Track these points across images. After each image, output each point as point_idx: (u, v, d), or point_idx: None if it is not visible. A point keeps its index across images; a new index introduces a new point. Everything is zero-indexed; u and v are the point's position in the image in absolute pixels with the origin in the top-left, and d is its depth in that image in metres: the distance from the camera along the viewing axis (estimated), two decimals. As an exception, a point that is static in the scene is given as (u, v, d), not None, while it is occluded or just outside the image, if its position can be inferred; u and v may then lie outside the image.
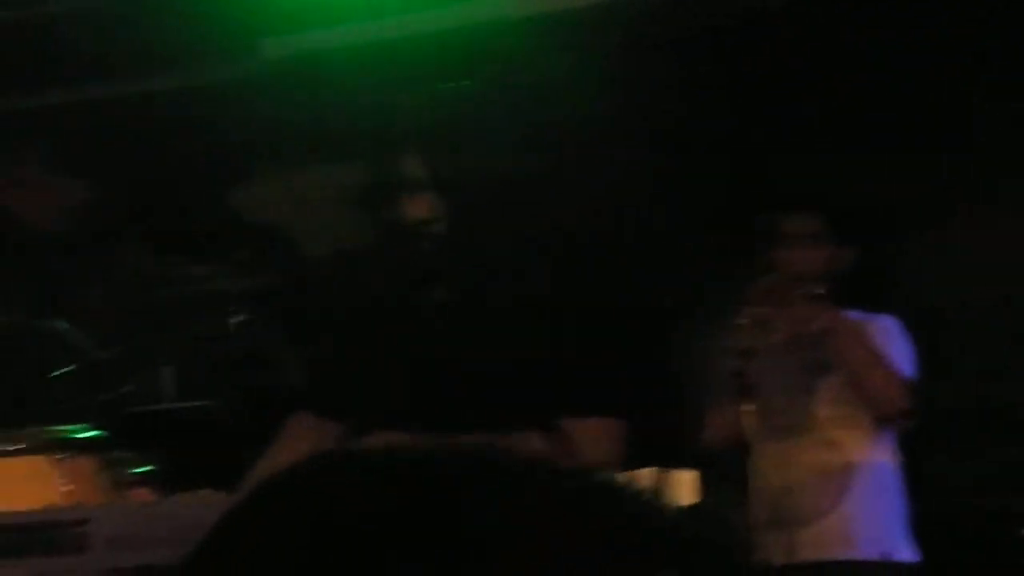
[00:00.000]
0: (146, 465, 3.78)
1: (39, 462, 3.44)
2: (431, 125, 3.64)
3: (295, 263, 5.05)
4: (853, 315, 3.94)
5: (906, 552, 3.78)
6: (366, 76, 5.58)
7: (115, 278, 5.72)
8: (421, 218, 3.39)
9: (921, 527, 3.86)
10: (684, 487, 4.31)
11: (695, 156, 4.94)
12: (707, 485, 4.35)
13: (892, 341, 3.88)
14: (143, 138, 5.71)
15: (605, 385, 3.46)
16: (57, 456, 3.43)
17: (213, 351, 4.70)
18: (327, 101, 5.69)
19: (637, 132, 4.86)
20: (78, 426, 3.64)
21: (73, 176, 5.82)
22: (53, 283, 4.95)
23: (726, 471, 4.11)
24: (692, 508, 4.20)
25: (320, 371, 3.67)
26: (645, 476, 4.07)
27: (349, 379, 3.48)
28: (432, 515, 1.01)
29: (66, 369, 3.99)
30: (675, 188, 4.89)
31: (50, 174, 5.85)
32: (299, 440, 3.48)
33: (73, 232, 5.77)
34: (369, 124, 5.45)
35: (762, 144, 4.89)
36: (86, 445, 3.54)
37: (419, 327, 3.40)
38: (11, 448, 3.48)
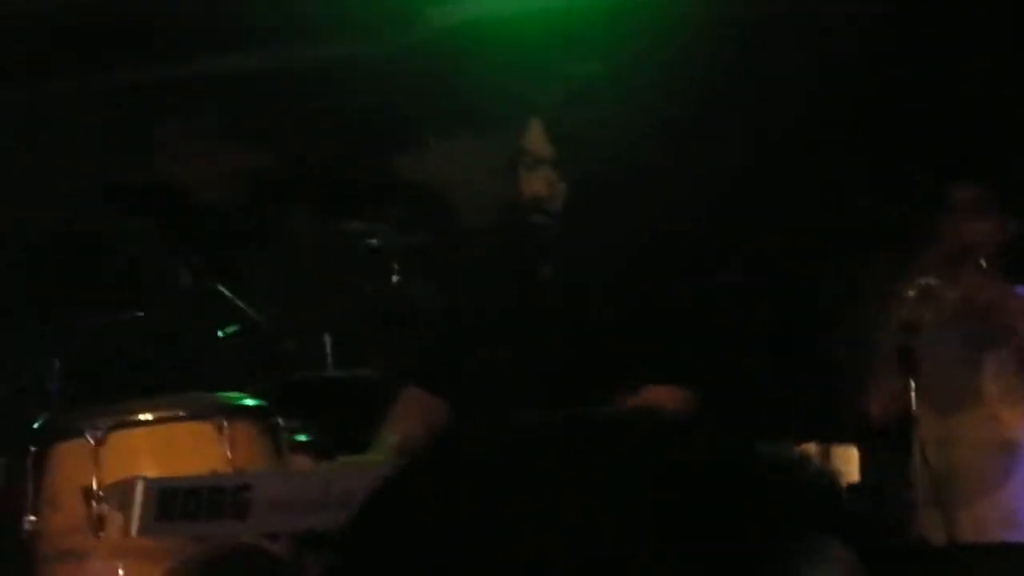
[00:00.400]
0: (307, 432, 3.82)
1: (202, 427, 3.49)
2: (569, 99, 3.61)
3: (452, 231, 5.07)
4: (1021, 289, 3.85)
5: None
6: (526, 46, 5.58)
7: (281, 244, 5.79)
8: (538, 194, 3.41)
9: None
10: (846, 463, 4.25)
11: (853, 126, 4.86)
12: (869, 461, 4.28)
13: None
14: (308, 106, 5.77)
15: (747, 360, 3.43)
16: (220, 422, 3.48)
17: (375, 318, 4.73)
18: (486, 71, 5.70)
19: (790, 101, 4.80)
20: (240, 393, 3.69)
21: (241, 143, 5.90)
22: (221, 248, 5.01)
23: (889, 447, 4.05)
24: (854, 484, 4.14)
25: (431, 344, 3.69)
26: (807, 451, 4.02)
27: (458, 353, 3.50)
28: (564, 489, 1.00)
29: (231, 335, 4.05)
30: (836, 159, 4.82)
31: (219, 141, 5.94)
32: (409, 414, 3.51)
33: (240, 198, 5.85)
34: (518, 95, 5.45)
35: (931, 113, 4.80)
36: (247, 412, 3.58)
37: (528, 302, 3.42)
38: (175, 413, 3.54)
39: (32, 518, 3.47)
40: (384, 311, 4.72)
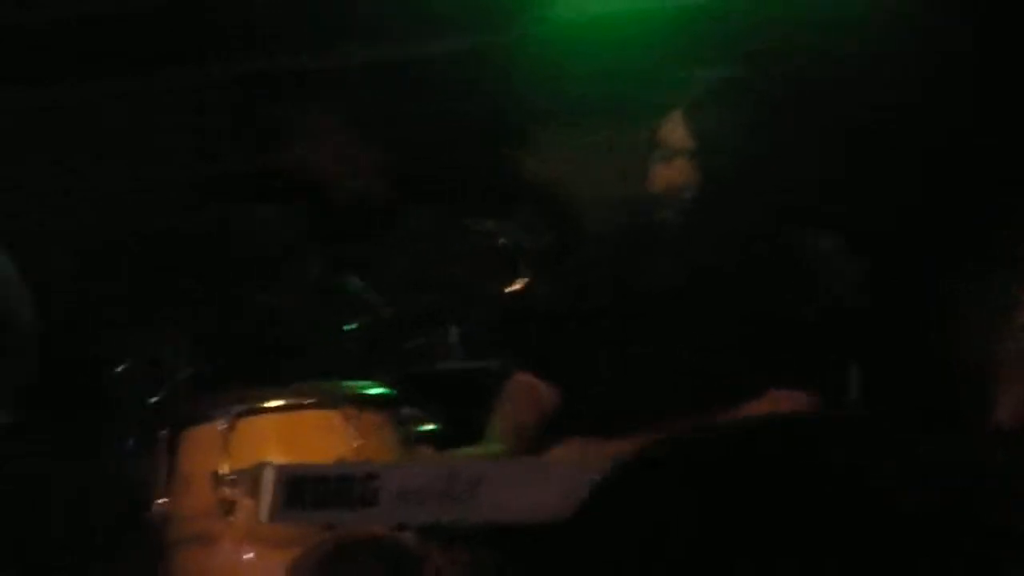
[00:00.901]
0: (432, 423, 3.84)
1: (330, 416, 3.52)
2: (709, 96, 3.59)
3: (575, 225, 5.07)
4: None
5: None
6: (650, 42, 5.56)
7: (405, 237, 5.82)
8: (673, 183, 3.39)
9: None
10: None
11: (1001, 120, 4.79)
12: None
13: None
14: (433, 99, 5.79)
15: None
16: (347, 411, 3.51)
17: (499, 311, 4.74)
18: (611, 65, 5.69)
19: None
20: (368, 382, 3.72)
21: (366, 137, 5.93)
22: (348, 241, 5.05)
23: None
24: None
25: (541, 331, 3.68)
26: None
27: (569, 342, 3.49)
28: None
29: (357, 326, 4.08)
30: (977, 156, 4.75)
31: (345, 135, 5.98)
32: (517, 402, 3.51)
33: (366, 191, 5.88)
34: (646, 89, 5.43)
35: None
36: (375, 401, 3.61)
37: (645, 295, 3.40)
38: (303, 402, 3.58)
39: (162, 501, 3.53)
40: (510, 307, 4.73)
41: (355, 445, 3.46)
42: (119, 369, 4.78)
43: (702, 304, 3.38)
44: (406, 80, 5.86)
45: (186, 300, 4.75)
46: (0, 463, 3.83)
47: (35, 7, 5.60)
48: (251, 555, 3.40)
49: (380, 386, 3.69)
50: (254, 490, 3.03)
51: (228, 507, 3.39)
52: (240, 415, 3.49)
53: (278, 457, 3.36)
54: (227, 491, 3.39)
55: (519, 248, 4.64)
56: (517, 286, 4.63)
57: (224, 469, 3.42)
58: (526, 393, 3.50)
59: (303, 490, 2.98)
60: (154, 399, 4.52)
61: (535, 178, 5.62)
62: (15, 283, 3.83)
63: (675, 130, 3.47)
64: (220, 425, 3.47)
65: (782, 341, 3.29)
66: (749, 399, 3.21)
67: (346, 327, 4.04)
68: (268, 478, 2.99)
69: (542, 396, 3.50)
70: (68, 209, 5.90)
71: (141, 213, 5.71)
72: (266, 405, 3.54)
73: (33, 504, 4.10)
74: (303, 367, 4.23)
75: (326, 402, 3.55)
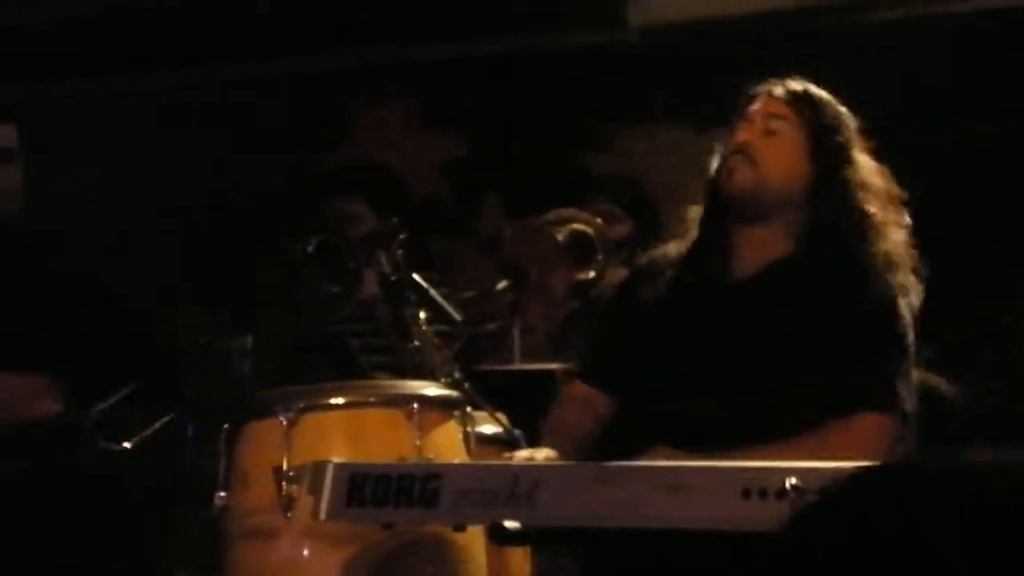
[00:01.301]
0: (494, 424, 3.82)
1: (393, 414, 3.51)
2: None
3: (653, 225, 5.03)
4: None
5: None
6: (723, 49, 5.53)
7: (476, 235, 5.82)
8: (745, 186, 3.33)
9: None
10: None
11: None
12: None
13: None
14: (509, 96, 5.78)
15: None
16: (410, 409, 3.49)
17: (564, 312, 4.72)
18: (685, 70, 5.67)
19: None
20: (431, 381, 3.70)
21: (442, 133, 5.94)
22: (421, 235, 5.04)
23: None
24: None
25: (596, 336, 3.64)
26: None
27: (624, 347, 3.44)
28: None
29: (425, 324, 4.06)
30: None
31: (420, 128, 5.98)
32: (571, 411, 3.47)
33: (442, 188, 5.89)
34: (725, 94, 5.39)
35: None
36: (438, 400, 3.59)
37: (710, 301, 3.34)
38: (367, 399, 3.56)
39: (222, 494, 3.53)
40: (577, 305, 4.71)
41: (416, 444, 3.45)
42: (184, 359, 4.79)
43: (777, 308, 3.31)
44: (488, 76, 5.85)
45: (255, 292, 4.76)
46: (61, 454, 3.84)
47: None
48: (310, 552, 3.39)
49: (443, 385, 3.67)
50: (314, 487, 3.01)
51: (288, 503, 3.38)
52: (303, 411, 3.47)
53: (339, 454, 3.35)
54: (287, 487, 3.38)
55: (593, 238, 4.61)
56: (590, 275, 4.61)
57: (285, 465, 3.41)
58: (581, 402, 3.46)
59: (364, 488, 2.96)
60: (217, 391, 4.53)
61: (612, 173, 5.60)
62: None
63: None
64: (282, 420, 3.46)
65: (862, 351, 3.22)
66: (832, 414, 3.14)
67: (413, 325, 4.00)
68: (329, 475, 2.97)
69: (597, 405, 3.46)
70: (142, 197, 5.94)
71: (219, 204, 5.74)
72: (329, 401, 3.53)
73: (96, 494, 4.11)
74: (370, 363, 4.23)
75: (389, 400, 3.53)
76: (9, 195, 3.95)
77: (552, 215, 4.74)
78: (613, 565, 2.97)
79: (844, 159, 3.34)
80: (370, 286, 4.44)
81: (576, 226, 4.68)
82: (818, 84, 3.47)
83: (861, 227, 3.30)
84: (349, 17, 5.71)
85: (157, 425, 4.55)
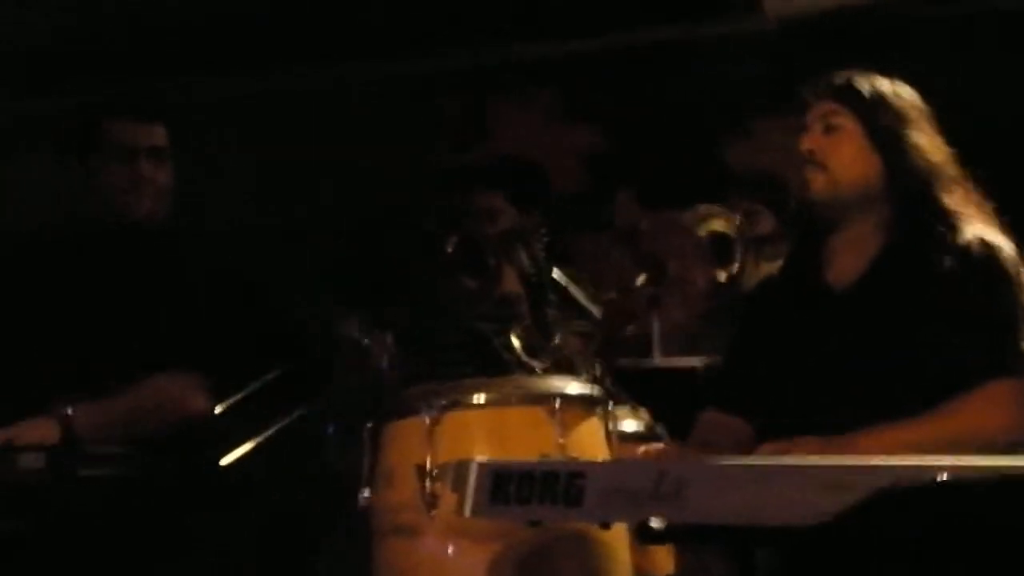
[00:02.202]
0: (637, 421, 3.80)
1: (535, 412, 3.50)
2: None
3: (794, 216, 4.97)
4: None
5: None
6: (860, 36, 5.46)
7: (613, 229, 5.80)
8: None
9: None
10: None
11: None
12: None
13: None
14: (648, 89, 5.75)
15: None
16: (552, 406, 3.49)
17: (709, 307, 4.69)
18: (823, 58, 5.59)
19: None
20: (573, 378, 3.69)
21: (580, 127, 5.92)
22: (560, 231, 5.04)
23: None
24: None
25: (727, 362, 3.57)
26: None
27: (755, 370, 3.38)
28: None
29: (563, 320, 4.05)
30: None
31: (557, 123, 5.98)
32: (714, 436, 3.41)
33: (581, 182, 5.88)
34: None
35: None
36: (580, 398, 3.58)
37: (819, 310, 3.28)
38: (509, 396, 3.56)
39: (367, 492, 3.55)
40: (717, 301, 4.67)
41: (560, 441, 3.44)
42: (325, 356, 4.83)
43: (886, 304, 3.25)
44: (623, 68, 5.83)
45: (396, 289, 4.78)
46: (205, 450, 3.89)
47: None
48: (454, 549, 3.39)
49: (585, 382, 3.66)
50: (458, 485, 3.01)
51: (432, 501, 3.39)
52: (446, 409, 3.48)
53: (482, 452, 3.36)
54: (431, 485, 3.39)
55: (733, 236, 4.57)
56: (731, 271, 4.57)
57: (428, 463, 3.42)
58: (718, 429, 3.40)
59: (508, 486, 2.96)
60: (357, 389, 4.56)
61: (752, 167, 5.55)
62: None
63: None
64: (425, 419, 3.47)
65: (976, 323, 3.16)
66: (961, 388, 3.10)
67: (553, 322, 4.00)
68: (473, 473, 2.97)
69: (738, 432, 3.39)
70: (285, 194, 6.00)
71: (362, 202, 5.78)
72: (472, 400, 3.53)
73: (239, 493, 4.15)
74: (509, 363, 4.23)
75: (531, 398, 3.53)
76: (161, 195, 4.00)
77: (692, 212, 4.71)
78: (762, 563, 2.93)
79: (900, 143, 3.29)
80: (509, 282, 4.44)
81: (716, 224, 4.64)
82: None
83: (937, 211, 3.25)
84: (488, 13, 5.72)
85: (291, 419, 4.60)
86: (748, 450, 3.20)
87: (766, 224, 4.82)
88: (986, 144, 3.28)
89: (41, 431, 3.62)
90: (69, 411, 3.62)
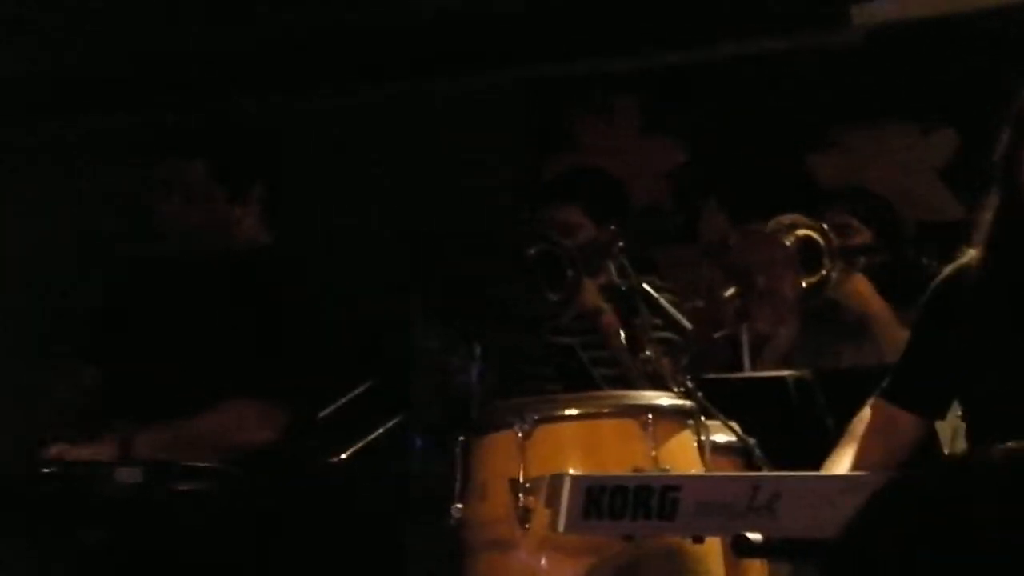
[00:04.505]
0: (727, 433, 3.78)
1: (627, 424, 3.50)
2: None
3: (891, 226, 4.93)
4: None
5: None
6: (947, 48, 5.41)
7: (699, 242, 5.78)
8: None
9: None
10: None
11: None
12: None
13: None
14: (732, 101, 5.73)
15: None
16: (645, 419, 3.48)
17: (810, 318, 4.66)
18: (910, 70, 5.56)
19: None
20: (664, 391, 3.68)
21: (664, 140, 5.91)
22: (644, 244, 5.03)
23: None
24: None
25: (909, 355, 3.46)
26: None
27: (942, 367, 3.26)
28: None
29: (655, 332, 4.04)
30: None
31: (641, 136, 5.97)
32: (870, 432, 3.33)
33: (664, 195, 5.86)
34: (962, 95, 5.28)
35: None
36: (672, 410, 3.57)
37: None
38: (600, 409, 3.56)
39: (459, 506, 3.55)
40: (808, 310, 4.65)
41: (652, 454, 3.43)
42: (413, 370, 4.85)
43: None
44: (707, 80, 5.82)
45: (483, 303, 4.79)
46: (293, 463, 3.91)
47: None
48: (547, 563, 3.39)
49: (676, 395, 3.65)
50: (551, 498, 3.01)
51: (525, 515, 3.39)
52: (538, 422, 3.48)
53: (575, 465, 3.36)
54: (524, 499, 3.40)
55: (821, 243, 4.55)
56: (817, 278, 4.54)
57: (521, 477, 3.42)
58: (884, 423, 3.28)
59: (601, 500, 2.95)
60: (445, 402, 4.57)
61: (840, 179, 5.52)
62: None
63: None
64: (518, 431, 3.47)
65: None
66: None
67: (645, 334, 3.99)
68: (566, 487, 2.97)
69: (902, 427, 3.29)
70: (366, 208, 6.03)
71: (445, 216, 5.79)
72: (564, 413, 3.53)
73: (328, 503, 4.17)
74: (599, 375, 4.22)
75: (623, 410, 3.53)
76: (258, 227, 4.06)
77: (777, 221, 4.69)
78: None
79: None
80: (590, 295, 4.44)
81: (803, 231, 4.62)
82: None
83: None
84: (572, 27, 5.72)
85: (379, 432, 4.62)
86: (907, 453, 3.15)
87: (860, 236, 4.79)
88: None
89: (98, 451, 3.67)
90: (127, 434, 3.67)
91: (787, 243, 4.59)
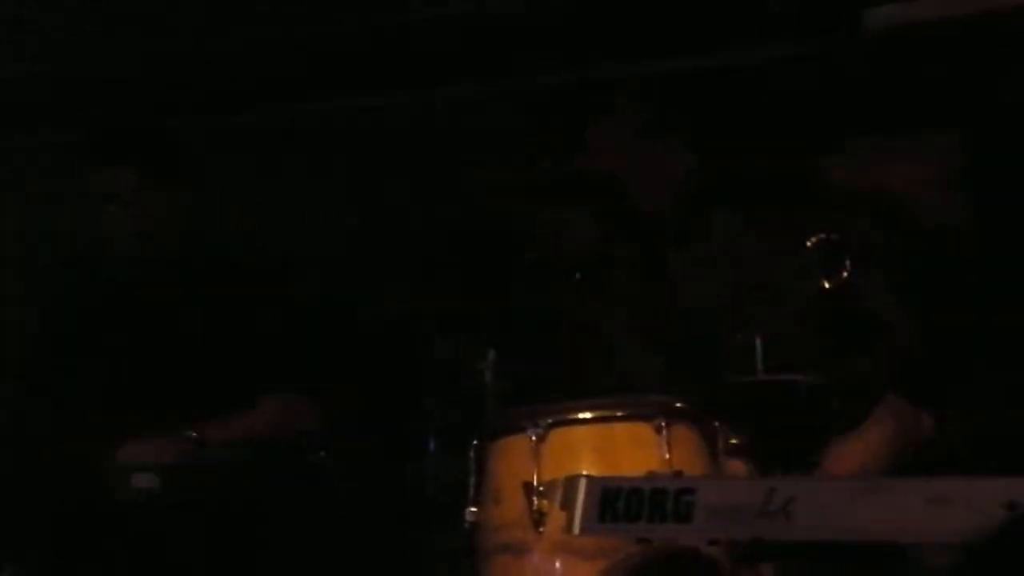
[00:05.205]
0: (740, 436, 3.79)
1: (641, 428, 3.51)
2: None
3: (899, 230, 4.93)
4: None
5: None
6: (967, 50, 5.41)
7: (708, 245, 5.78)
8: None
9: None
10: None
11: None
12: None
13: None
14: (740, 106, 5.73)
15: None
16: (659, 423, 3.49)
17: (811, 322, 4.66)
18: (924, 74, 5.55)
19: None
20: (677, 394, 3.69)
21: (671, 143, 5.91)
22: (653, 247, 5.03)
23: None
24: None
25: (914, 348, 3.51)
26: None
27: (947, 360, 3.31)
28: None
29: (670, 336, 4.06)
30: None
31: (648, 140, 5.97)
32: (883, 425, 3.36)
33: (668, 198, 5.86)
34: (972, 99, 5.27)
35: None
36: (686, 413, 3.58)
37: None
38: (614, 413, 3.57)
39: (473, 510, 3.57)
40: (819, 314, 4.65)
41: (666, 458, 3.45)
42: (425, 373, 4.86)
43: None
44: (718, 87, 5.82)
45: (496, 308, 4.80)
46: (306, 465, 3.94)
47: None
48: (562, 566, 3.40)
49: (690, 398, 3.66)
50: (566, 501, 3.03)
51: (539, 518, 3.41)
52: (552, 426, 3.49)
53: (589, 468, 3.36)
54: (538, 502, 3.41)
55: (840, 245, 4.56)
56: (838, 280, 4.55)
57: (535, 480, 3.43)
58: (892, 417, 3.32)
59: (616, 503, 2.97)
60: (458, 406, 4.59)
61: (851, 185, 5.52)
62: None
63: None
64: (531, 435, 3.48)
65: None
66: None
67: (657, 337, 4.01)
68: (581, 490, 2.99)
69: (912, 421, 3.31)
70: (379, 213, 6.04)
71: (456, 215, 5.80)
72: (577, 416, 3.54)
73: (342, 506, 4.20)
74: (611, 377, 4.24)
75: (637, 414, 3.53)
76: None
77: (793, 224, 4.69)
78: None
79: None
80: (591, 298, 4.45)
81: (820, 234, 4.62)
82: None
83: None
84: (583, 31, 5.73)
85: (390, 436, 4.64)
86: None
87: (872, 239, 4.79)
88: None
89: (161, 451, 3.71)
90: (194, 433, 3.71)
91: (807, 244, 4.59)
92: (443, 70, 6.03)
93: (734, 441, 3.79)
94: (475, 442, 3.64)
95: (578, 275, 4.38)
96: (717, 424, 3.63)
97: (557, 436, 3.50)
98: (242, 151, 5.88)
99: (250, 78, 6.08)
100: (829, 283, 4.58)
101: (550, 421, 3.50)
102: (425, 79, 6.08)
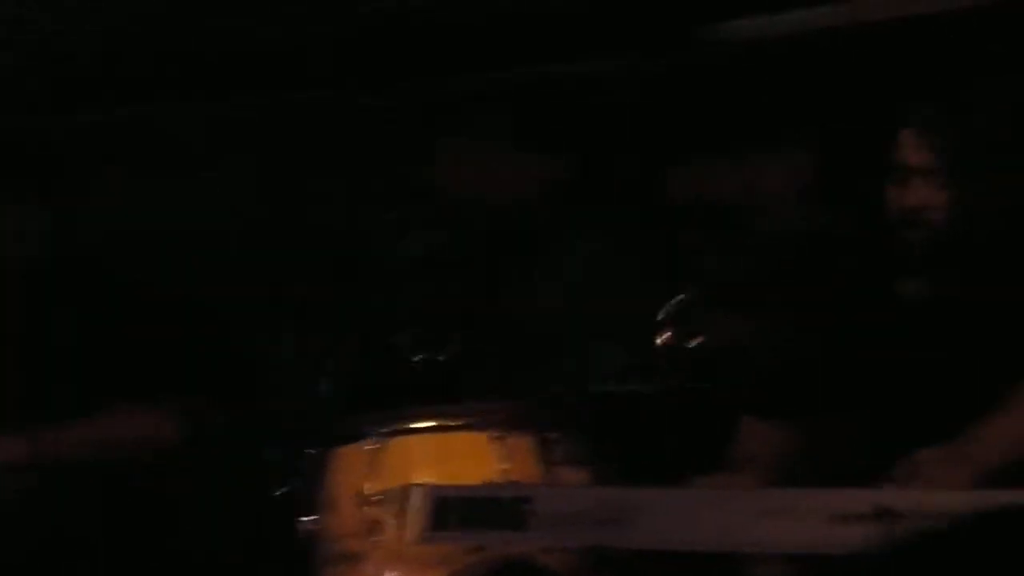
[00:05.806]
0: (580, 447, 3.79)
1: (479, 437, 3.50)
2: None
3: (751, 246, 4.97)
4: None
5: None
6: (817, 64, 5.46)
7: (568, 257, 5.78)
8: (910, 206, 3.16)
9: None
10: None
11: None
12: None
13: None
14: (604, 116, 5.73)
15: None
16: (494, 433, 3.49)
17: (658, 336, 4.68)
18: (775, 88, 5.60)
19: None
20: (516, 404, 3.68)
21: (538, 152, 5.89)
22: (506, 258, 5.02)
23: None
24: None
25: (771, 366, 3.51)
26: None
27: (805, 377, 3.31)
28: None
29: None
30: None
31: (516, 150, 5.95)
32: (750, 442, 3.37)
33: (534, 209, 5.85)
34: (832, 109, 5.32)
35: None
36: (525, 423, 3.57)
37: (889, 323, 3.21)
38: (452, 422, 3.55)
39: (312, 518, 3.53)
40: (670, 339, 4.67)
41: (503, 468, 3.44)
42: (264, 380, 4.80)
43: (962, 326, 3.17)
44: (566, 94, 5.83)
45: (331, 315, 4.77)
46: (155, 473, 3.87)
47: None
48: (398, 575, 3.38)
49: (529, 407, 3.65)
50: (402, 510, 3.01)
51: (374, 527, 3.38)
52: (388, 435, 3.47)
53: (425, 478, 3.35)
54: (373, 511, 3.39)
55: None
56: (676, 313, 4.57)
57: (371, 489, 3.41)
58: (757, 436, 3.31)
59: (451, 511, 2.95)
60: (298, 414, 4.54)
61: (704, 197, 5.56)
62: None
63: (910, 149, 3.23)
64: (368, 445, 3.46)
65: None
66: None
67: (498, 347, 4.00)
68: (416, 498, 2.96)
69: (770, 436, 3.31)
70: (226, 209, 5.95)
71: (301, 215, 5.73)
72: (413, 426, 3.52)
73: (182, 517, 4.13)
74: (450, 388, 4.22)
75: (474, 423, 3.52)
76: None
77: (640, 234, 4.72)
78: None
79: None
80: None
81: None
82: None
83: None
84: (449, 40, 5.70)
85: (222, 443, 4.58)
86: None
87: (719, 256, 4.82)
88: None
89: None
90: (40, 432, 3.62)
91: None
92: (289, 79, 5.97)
93: (572, 450, 3.79)
94: (311, 451, 3.60)
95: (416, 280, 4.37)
96: (556, 434, 3.62)
97: (395, 445, 3.49)
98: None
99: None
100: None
101: (387, 430, 3.48)
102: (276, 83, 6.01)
